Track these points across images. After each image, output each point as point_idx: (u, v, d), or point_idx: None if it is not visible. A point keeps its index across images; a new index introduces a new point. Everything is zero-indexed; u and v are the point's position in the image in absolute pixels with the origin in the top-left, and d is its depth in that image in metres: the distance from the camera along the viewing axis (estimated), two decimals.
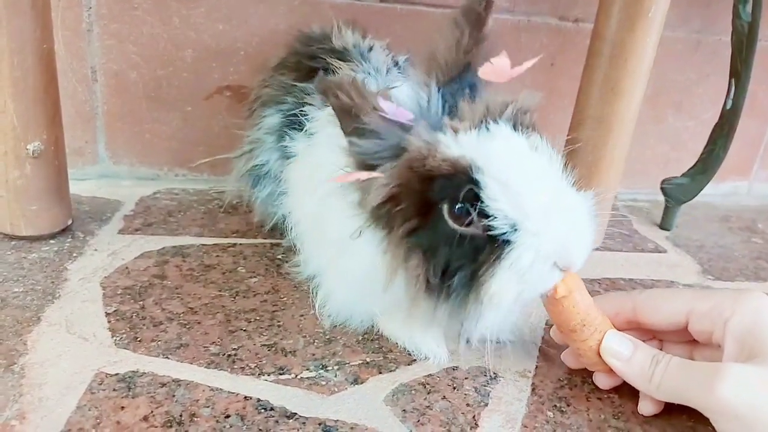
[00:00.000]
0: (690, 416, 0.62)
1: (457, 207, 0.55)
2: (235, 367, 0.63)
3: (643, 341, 0.63)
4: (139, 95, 1.01)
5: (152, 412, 0.56)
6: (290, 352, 0.67)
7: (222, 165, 0.98)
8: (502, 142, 0.57)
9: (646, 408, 0.62)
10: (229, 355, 0.65)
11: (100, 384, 0.59)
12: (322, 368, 0.65)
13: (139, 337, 0.66)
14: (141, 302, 0.72)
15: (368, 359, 0.67)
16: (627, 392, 0.64)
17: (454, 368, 0.67)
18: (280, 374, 0.63)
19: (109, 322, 0.68)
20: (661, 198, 1.14)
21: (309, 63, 0.79)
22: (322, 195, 0.66)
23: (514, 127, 0.58)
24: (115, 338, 0.66)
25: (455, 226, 0.56)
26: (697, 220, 1.21)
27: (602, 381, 0.65)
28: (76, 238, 0.85)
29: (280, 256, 0.86)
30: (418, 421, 0.59)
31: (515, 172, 0.55)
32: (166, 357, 0.64)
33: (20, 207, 0.81)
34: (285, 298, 0.76)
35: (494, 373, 0.67)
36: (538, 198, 0.55)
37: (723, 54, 1.09)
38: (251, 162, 0.84)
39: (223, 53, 1.01)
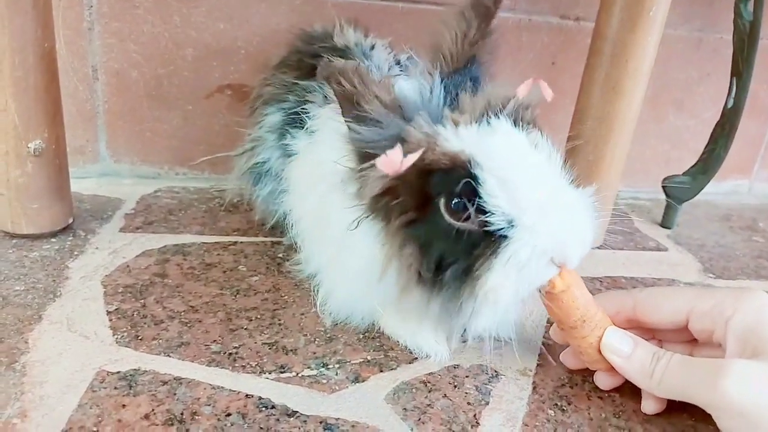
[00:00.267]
0: (691, 415, 0.62)
1: (454, 202, 0.56)
2: (236, 365, 0.63)
3: None
4: (140, 94, 1.02)
5: (153, 410, 0.56)
6: (291, 350, 0.67)
7: (223, 163, 0.98)
8: (502, 137, 0.57)
9: (648, 406, 0.62)
10: (230, 354, 0.65)
11: (102, 382, 0.59)
12: (323, 366, 0.65)
13: (140, 335, 0.66)
14: (142, 300, 0.72)
15: (369, 357, 0.67)
16: (628, 391, 0.64)
17: (455, 366, 0.67)
18: (281, 372, 0.63)
19: (110, 320, 0.68)
20: (662, 197, 1.14)
21: (310, 61, 0.79)
22: (323, 192, 0.66)
23: (515, 123, 0.58)
24: (116, 336, 0.66)
25: (451, 221, 0.56)
26: (698, 218, 1.21)
27: (603, 381, 0.65)
28: (77, 236, 0.86)
29: (281, 255, 0.86)
30: (419, 419, 0.59)
31: (514, 168, 0.55)
32: (168, 355, 0.64)
33: (21, 205, 0.81)
34: (286, 297, 0.76)
35: (495, 372, 0.67)
36: (535, 194, 0.55)
37: (724, 53, 1.09)
38: (252, 160, 0.84)
39: (223, 52, 1.01)
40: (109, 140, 1.04)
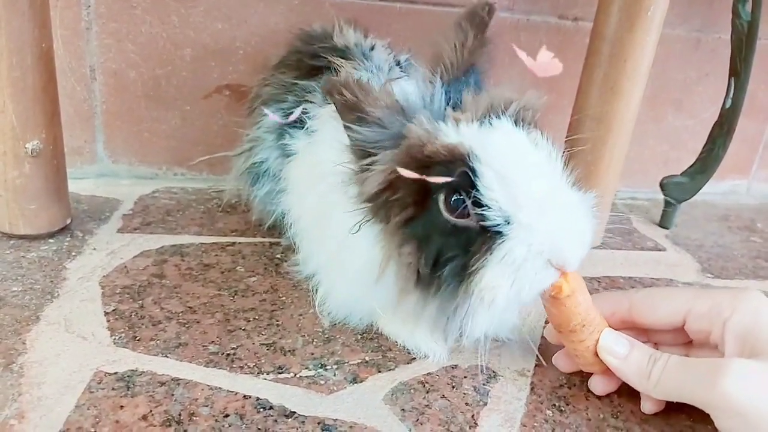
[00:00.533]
0: (689, 415, 0.62)
1: (453, 198, 0.56)
2: (234, 366, 0.63)
3: None
4: (138, 94, 1.01)
5: (151, 411, 0.56)
6: (289, 351, 0.67)
7: (221, 164, 0.98)
8: (502, 134, 0.57)
9: (648, 406, 0.62)
10: (228, 354, 0.65)
11: (99, 383, 0.59)
12: (321, 367, 0.65)
13: (138, 336, 0.66)
14: (140, 301, 0.72)
15: (367, 358, 0.67)
16: (626, 392, 0.64)
17: (454, 367, 0.67)
18: (279, 373, 0.63)
19: (108, 321, 0.68)
20: (661, 197, 1.14)
21: (310, 61, 0.79)
22: (322, 192, 0.66)
23: (516, 123, 0.58)
24: (114, 337, 0.66)
25: (449, 217, 0.56)
26: (696, 218, 1.21)
27: (598, 386, 0.64)
28: (74, 237, 0.85)
29: (279, 255, 0.86)
30: (417, 420, 0.59)
31: (513, 164, 0.55)
32: (165, 356, 0.64)
33: (19, 206, 0.80)
34: (284, 297, 0.76)
35: (493, 372, 0.67)
36: (533, 192, 0.55)
37: (723, 53, 1.09)
38: (250, 160, 0.84)
39: (222, 52, 1.01)
40: (106, 141, 1.04)
